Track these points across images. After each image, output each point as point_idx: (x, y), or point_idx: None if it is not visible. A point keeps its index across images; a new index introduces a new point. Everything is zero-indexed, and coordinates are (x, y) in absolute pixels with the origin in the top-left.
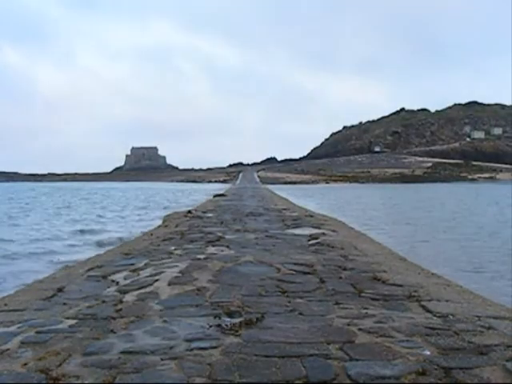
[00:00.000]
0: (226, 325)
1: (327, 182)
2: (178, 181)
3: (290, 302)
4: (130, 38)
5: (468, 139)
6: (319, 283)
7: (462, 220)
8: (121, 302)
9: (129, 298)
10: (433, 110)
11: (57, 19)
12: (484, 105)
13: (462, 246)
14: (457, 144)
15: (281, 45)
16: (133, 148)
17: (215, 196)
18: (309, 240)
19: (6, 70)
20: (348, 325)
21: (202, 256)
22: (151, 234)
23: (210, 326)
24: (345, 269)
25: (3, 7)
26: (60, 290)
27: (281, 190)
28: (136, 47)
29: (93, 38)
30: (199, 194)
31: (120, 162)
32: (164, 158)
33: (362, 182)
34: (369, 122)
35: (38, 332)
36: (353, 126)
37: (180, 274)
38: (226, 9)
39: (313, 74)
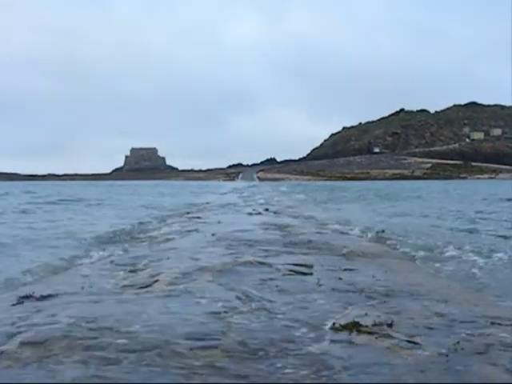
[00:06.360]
0: None
1: None
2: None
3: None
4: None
5: (467, 140)
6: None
7: None
8: None
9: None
10: (432, 110)
11: None
12: (483, 105)
13: None
14: (456, 145)
15: None
16: (132, 149)
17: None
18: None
19: None
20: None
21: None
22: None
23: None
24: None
25: None
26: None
27: (280, 191)
28: (138, 45)
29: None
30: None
31: (119, 162)
32: (163, 158)
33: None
34: (368, 122)
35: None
36: (352, 127)
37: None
38: None
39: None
